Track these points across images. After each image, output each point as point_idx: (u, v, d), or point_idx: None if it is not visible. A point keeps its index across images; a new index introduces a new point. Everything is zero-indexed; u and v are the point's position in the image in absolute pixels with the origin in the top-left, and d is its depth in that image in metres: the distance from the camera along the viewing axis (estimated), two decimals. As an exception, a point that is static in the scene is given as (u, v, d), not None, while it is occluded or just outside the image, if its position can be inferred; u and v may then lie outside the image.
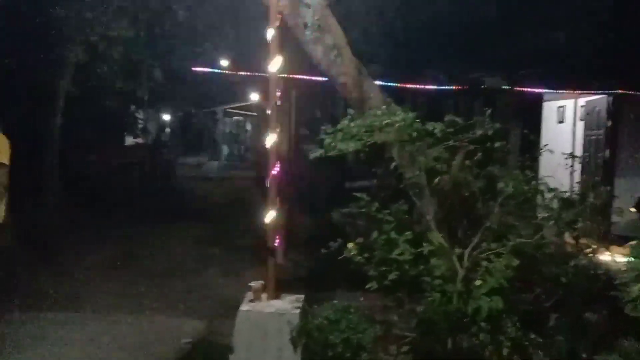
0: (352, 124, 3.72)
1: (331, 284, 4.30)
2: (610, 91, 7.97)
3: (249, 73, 6.64)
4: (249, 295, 3.71)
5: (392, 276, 3.50)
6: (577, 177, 9.00)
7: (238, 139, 23.91)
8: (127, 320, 5.27)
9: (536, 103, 8.46)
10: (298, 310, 3.51)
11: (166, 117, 22.84)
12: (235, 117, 23.23)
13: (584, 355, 3.26)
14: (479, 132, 3.72)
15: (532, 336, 3.38)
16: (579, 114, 10.20)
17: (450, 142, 3.87)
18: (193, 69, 7.44)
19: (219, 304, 5.44)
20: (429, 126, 3.78)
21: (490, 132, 3.74)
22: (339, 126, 3.72)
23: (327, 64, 4.38)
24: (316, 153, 3.69)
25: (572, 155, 4.18)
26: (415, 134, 3.87)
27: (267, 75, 3.87)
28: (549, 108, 11.45)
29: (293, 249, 5.39)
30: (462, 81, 7.04)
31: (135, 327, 5.10)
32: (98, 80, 9.74)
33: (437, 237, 3.55)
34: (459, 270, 3.60)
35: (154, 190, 12.05)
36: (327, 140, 3.75)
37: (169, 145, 17.32)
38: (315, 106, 7.75)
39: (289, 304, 3.64)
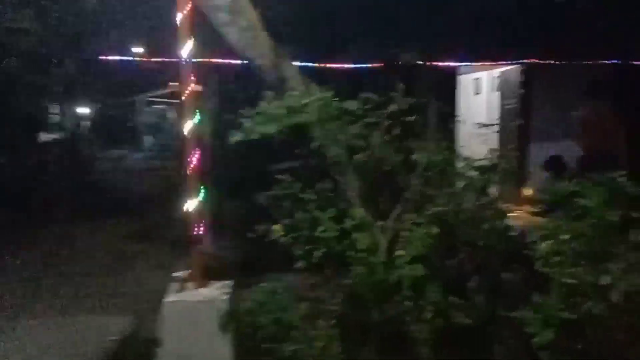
0: (270, 106, 3.71)
1: (261, 267, 4.31)
2: (520, 61, 8.31)
3: (161, 59, 6.45)
4: (175, 285, 3.66)
5: (318, 253, 3.56)
6: (494, 145, 9.44)
7: (161, 129, 23.26)
8: (51, 322, 5.10)
9: (452, 76, 8.73)
10: (226, 296, 3.50)
11: (84, 110, 21.87)
12: (157, 106, 22.59)
13: (501, 313, 3.43)
14: (393, 107, 3.79)
15: (452, 299, 3.52)
16: (494, 85, 10.63)
17: (368, 119, 3.95)
18: (101, 57, 7.13)
19: (148, 298, 5.33)
20: (347, 104, 3.83)
21: (404, 107, 3.82)
22: (257, 109, 3.70)
23: (243, 46, 4.33)
24: (236, 137, 3.66)
25: (484, 125, 4.35)
26: (334, 112, 3.93)
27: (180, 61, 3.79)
28: (466, 80, 11.85)
29: (222, 235, 5.35)
30: (379, 59, 7.15)
31: (59, 328, 4.95)
32: (5, 75, 9.20)
33: (359, 212, 3.63)
34: (382, 242, 3.71)
35: (75, 187, 11.55)
36: (247, 124, 3.74)
37: (88, 139, 16.59)
38: (240, 90, 7.67)
39: (216, 291, 3.62)
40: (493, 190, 5.39)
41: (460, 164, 4.02)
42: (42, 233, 8.50)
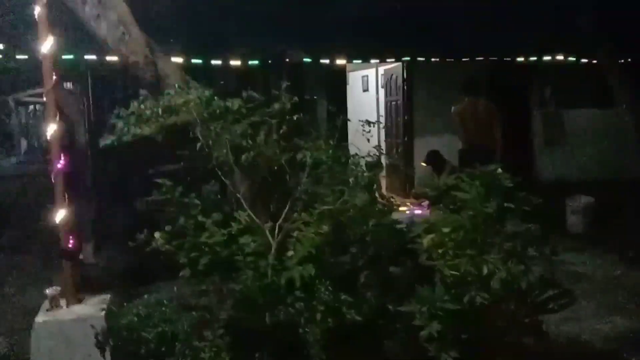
0: (143, 106, 3.48)
1: (144, 278, 4.05)
2: (402, 58, 8.56)
3: (27, 57, 5.92)
4: (46, 304, 3.34)
5: (204, 260, 3.39)
6: (380, 142, 9.72)
7: (37, 131, 21.57)
8: None
9: (340, 73, 8.83)
10: (102, 312, 3.23)
11: (-54, 112, 19.79)
12: (31, 107, 20.94)
13: (390, 307, 3.46)
14: (277, 106, 3.70)
15: (343, 297, 3.50)
16: (380, 82, 10.94)
17: (254, 118, 3.84)
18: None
19: (22, 316, 4.88)
20: (229, 103, 3.68)
21: (288, 105, 3.75)
22: (130, 109, 3.46)
23: (113, 42, 4.04)
24: (107, 140, 3.39)
25: (367, 122, 4.38)
26: (217, 111, 3.78)
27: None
28: (354, 77, 12.12)
29: (101, 245, 5.00)
30: (267, 55, 7.04)
31: None
32: None
33: (244, 215, 3.50)
34: (272, 244, 3.61)
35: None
36: (120, 125, 3.48)
37: (-48, 144, 14.99)
38: (118, 89, 7.23)
39: (92, 307, 3.35)
40: (382, 186, 5.49)
41: (348, 161, 4.02)
42: None
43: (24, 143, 21.11)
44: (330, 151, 3.89)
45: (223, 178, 3.86)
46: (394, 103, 9.65)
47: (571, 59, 8.58)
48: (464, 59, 8.31)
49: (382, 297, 3.63)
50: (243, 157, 3.81)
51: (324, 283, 3.53)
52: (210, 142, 3.86)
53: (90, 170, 5.38)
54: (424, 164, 7.62)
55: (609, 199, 7.40)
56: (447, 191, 3.46)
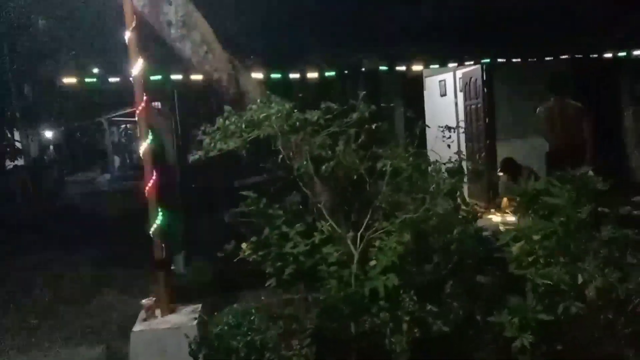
0: (228, 122, 3.60)
1: (232, 287, 4.18)
2: (480, 60, 8.35)
3: (118, 79, 6.29)
4: (142, 314, 3.51)
5: (288, 270, 3.45)
6: (460, 147, 9.49)
7: (129, 149, 22.87)
8: (20, 357, 4.89)
9: (417, 79, 8.73)
10: (195, 322, 3.36)
11: (48, 134, 21.39)
12: (123, 126, 22.24)
13: (478, 317, 3.37)
14: (355, 115, 3.72)
15: (429, 307, 3.45)
16: (458, 86, 10.69)
17: (332, 129, 3.88)
18: (61, 80, 6.92)
19: (119, 326, 5.15)
20: (308, 115, 3.74)
21: (366, 114, 3.75)
22: (216, 125, 3.59)
23: (197, 61, 4.23)
24: (195, 156, 3.54)
25: (447, 127, 4.31)
26: (296, 123, 3.85)
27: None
28: (431, 83, 11.92)
29: (191, 256, 5.21)
30: (343, 65, 7.09)
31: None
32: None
33: (326, 225, 3.53)
34: (354, 254, 3.62)
35: (41, 213, 11.24)
36: (207, 141, 3.62)
37: (54, 163, 16.20)
38: (202, 107, 7.53)
39: (185, 317, 3.48)
40: (464, 193, 5.37)
41: (428, 168, 3.96)
42: (8, 264, 8.23)
43: (117, 160, 22.49)
44: (410, 159, 3.84)
45: (304, 188, 3.92)
46: (473, 107, 9.39)
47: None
48: (547, 58, 7.96)
49: (470, 307, 3.55)
50: (323, 167, 3.87)
51: (408, 293, 3.50)
52: (291, 153, 3.94)
53: (179, 184, 5.63)
54: (500, 173, 7.38)
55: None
56: (536, 196, 3.32)
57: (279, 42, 6.44)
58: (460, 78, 10.32)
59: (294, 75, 6.65)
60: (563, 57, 7.87)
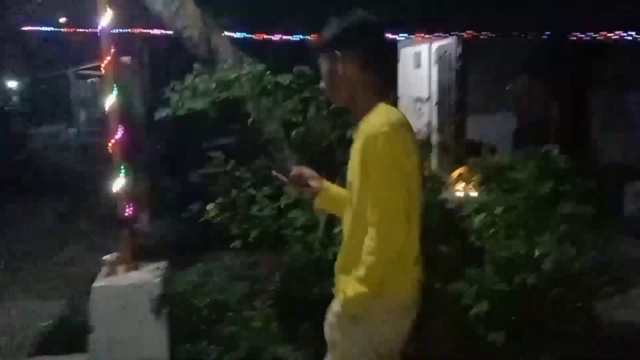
0: (197, 80, 3.54)
1: (197, 248, 4.18)
2: (456, 33, 8.35)
3: (84, 30, 6.09)
4: (104, 270, 3.50)
5: (254, 233, 3.46)
6: (432, 120, 9.56)
7: (95, 103, 22.26)
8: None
9: (392, 50, 8.70)
10: (159, 279, 3.36)
11: (12, 84, 20.66)
12: (90, 80, 21.59)
13: (437, 286, 3.45)
14: (325, 82, 3.69)
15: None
16: (433, 59, 10.68)
17: (304, 94, 3.85)
18: (22, 28, 6.65)
19: (82, 281, 5.12)
20: (280, 78, 3.71)
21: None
22: (185, 83, 3.53)
23: (169, 17, 4.12)
24: (162, 113, 3.49)
25: (418, 99, 4.32)
26: (268, 86, 3.81)
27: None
28: (406, 54, 11.87)
29: (156, 215, 5.18)
30: (317, 31, 6.99)
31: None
32: None
33: (293, 190, 3.54)
34: (320, 219, 3.64)
35: (5, 165, 10.96)
36: (175, 99, 3.57)
37: (17, 115, 15.69)
38: (173, 64, 7.37)
39: (148, 274, 3.48)
40: (433, 165, 5.42)
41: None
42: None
43: (82, 115, 21.90)
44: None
45: (273, 153, 3.91)
46: (447, 80, 9.43)
47: (634, 37, 8.14)
48: (521, 35, 8.02)
49: (430, 276, 3.62)
50: (293, 133, 3.85)
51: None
52: (262, 117, 3.92)
53: (147, 142, 5.55)
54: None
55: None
56: (500, 172, 3.39)
57: (257, 4, 6.31)
58: (435, 51, 10.32)
59: (269, 38, 6.55)
60: (537, 35, 7.93)
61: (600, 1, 7.57)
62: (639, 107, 8.66)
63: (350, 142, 3.89)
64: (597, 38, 8.08)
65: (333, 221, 3.71)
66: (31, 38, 11.16)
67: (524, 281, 3.01)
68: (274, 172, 2.34)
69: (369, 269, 1.83)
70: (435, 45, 10.27)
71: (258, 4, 6.22)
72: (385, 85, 2.08)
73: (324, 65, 2.05)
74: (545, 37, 7.96)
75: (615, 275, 3.46)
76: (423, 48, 11.40)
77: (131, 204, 3.44)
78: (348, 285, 1.89)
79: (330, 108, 4.02)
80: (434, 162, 8.17)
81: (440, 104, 9.72)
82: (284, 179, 2.18)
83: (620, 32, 8.00)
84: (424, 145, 4.05)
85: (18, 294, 5.17)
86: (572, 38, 8.02)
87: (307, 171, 2.24)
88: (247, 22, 6.24)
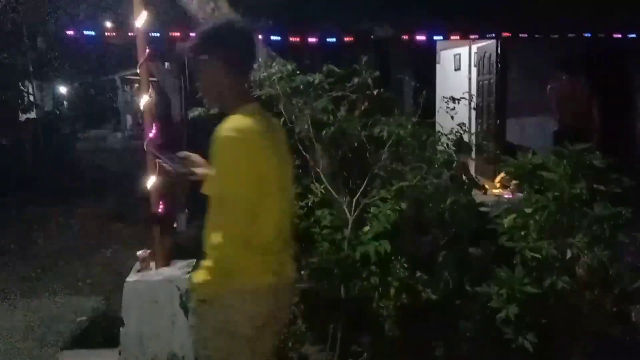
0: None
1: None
2: (494, 35, 8.21)
3: (129, 34, 6.26)
4: (137, 265, 3.58)
5: (282, 231, 3.47)
6: (470, 123, 9.44)
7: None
8: (20, 304, 5.03)
9: (430, 51, 8.62)
10: (188, 275, 3.42)
11: (63, 89, 21.47)
12: (136, 85, 22.21)
13: (467, 288, 3.39)
14: (357, 80, 3.69)
15: (419, 274, 3.48)
16: (473, 61, 10.55)
17: (334, 93, 3.86)
18: (68, 32, 6.90)
19: (120, 278, 5.27)
20: (310, 77, 3.72)
21: (369, 80, 3.72)
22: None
23: (204, 19, 4.20)
24: (195, 112, 3.55)
25: (453, 99, 4.26)
26: (299, 86, 3.83)
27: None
28: (446, 56, 11.77)
29: (195, 216, 5.26)
30: (352, 33, 7.00)
31: (28, 309, 4.88)
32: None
33: (320, 188, 3.55)
34: (349, 218, 3.64)
35: (51, 166, 11.37)
36: (207, 98, 3.62)
37: (66, 118, 16.27)
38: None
39: (179, 270, 3.54)
40: (470, 167, 5.32)
41: (430, 139, 3.94)
42: (16, 214, 8.40)
43: (129, 119, 22.56)
44: (411, 128, 3.82)
45: (303, 152, 3.93)
46: (486, 82, 9.29)
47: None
48: (563, 36, 7.80)
49: (460, 278, 3.57)
50: (324, 132, 3.86)
51: (399, 260, 3.53)
52: (293, 116, 3.94)
53: (185, 143, 5.63)
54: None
55: None
56: (532, 171, 3.31)
57: (291, 5, 6.36)
58: (475, 53, 10.19)
59: (303, 40, 6.59)
60: (576, 35, 7.71)
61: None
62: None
63: (382, 141, 3.93)
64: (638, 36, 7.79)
65: (362, 220, 3.71)
66: (81, 43, 11.54)
67: (554, 284, 2.93)
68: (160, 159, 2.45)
69: (213, 258, 1.98)
70: (475, 47, 10.16)
71: (292, 7, 6.26)
72: (249, 90, 2.20)
73: (197, 67, 2.14)
74: (586, 36, 7.72)
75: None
76: (463, 50, 11.30)
77: (164, 202, 3.51)
78: (197, 273, 2.02)
79: (362, 108, 4.04)
80: (472, 165, 8.05)
81: (479, 106, 9.61)
82: (167, 162, 2.25)
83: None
84: (463, 145, 3.98)
85: (59, 291, 5.34)
86: (614, 37, 7.76)
87: (194, 156, 2.34)
88: (281, 24, 6.29)
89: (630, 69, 8.46)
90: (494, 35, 8.26)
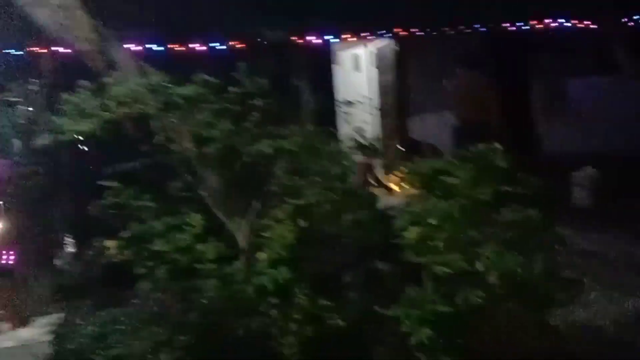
0: (85, 98, 3.07)
1: (102, 290, 3.65)
2: (386, 33, 8.10)
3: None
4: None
5: (161, 271, 2.99)
6: (375, 123, 9.31)
7: (34, 131, 21.20)
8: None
9: (327, 53, 8.37)
10: (49, 336, 2.85)
11: None
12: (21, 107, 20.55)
13: (377, 310, 3.06)
14: (238, 90, 3.28)
15: (323, 301, 3.11)
16: (372, 61, 10.45)
17: (215, 105, 3.43)
18: None
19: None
20: (182, 90, 3.26)
21: (251, 89, 3.32)
22: (67, 102, 3.05)
23: (57, 29, 3.65)
24: (44, 139, 2.99)
25: (347, 102, 3.96)
26: (174, 100, 3.37)
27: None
28: (345, 57, 11.62)
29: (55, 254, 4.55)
30: (241, 38, 6.57)
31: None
32: None
33: (200, 218, 3.10)
34: (242, 246, 3.22)
35: None
36: (59, 122, 3.08)
37: None
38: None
39: (37, 330, 2.96)
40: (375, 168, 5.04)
41: (329, 148, 3.59)
42: None
43: (16, 143, 20.81)
44: (301, 139, 3.46)
45: (186, 175, 3.47)
46: (386, 82, 9.19)
47: (571, 23, 8.01)
48: (456, 30, 7.78)
49: (369, 299, 3.24)
50: (208, 149, 3.42)
51: (300, 286, 3.14)
52: (169, 135, 3.47)
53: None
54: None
55: (614, 171, 6.94)
56: (435, 176, 3.03)
57: (168, 11, 5.82)
58: (373, 52, 10.09)
59: (185, 49, 6.09)
60: (470, 30, 7.72)
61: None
62: (580, 94, 8.54)
63: (274, 155, 3.54)
64: (534, 27, 7.92)
65: (258, 247, 3.29)
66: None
67: (467, 299, 2.65)
68: None
69: None
70: (373, 46, 10.05)
71: (170, 13, 5.72)
72: None
73: None
74: (480, 29, 7.75)
75: (570, 277, 3.15)
76: (361, 50, 11.18)
77: (11, 251, 2.92)
78: None
79: (252, 120, 3.63)
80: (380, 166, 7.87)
81: (382, 107, 9.49)
82: None
83: (556, 20, 7.88)
84: (367, 150, 3.69)
85: None
86: (508, 29, 7.84)
87: None
88: (157, 32, 5.74)
89: (525, 62, 8.59)
90: (389, 34, 8.14)
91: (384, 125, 9.35)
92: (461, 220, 2.74)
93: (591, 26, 7.62)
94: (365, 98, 9.94)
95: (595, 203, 6.86)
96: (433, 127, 8.16)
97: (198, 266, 3.04)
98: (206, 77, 3.26)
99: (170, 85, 3.34)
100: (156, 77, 3.44)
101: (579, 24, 7.86)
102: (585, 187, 6.85)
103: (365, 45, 10.23)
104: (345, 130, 4.05)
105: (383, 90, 9.42)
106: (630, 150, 7.38)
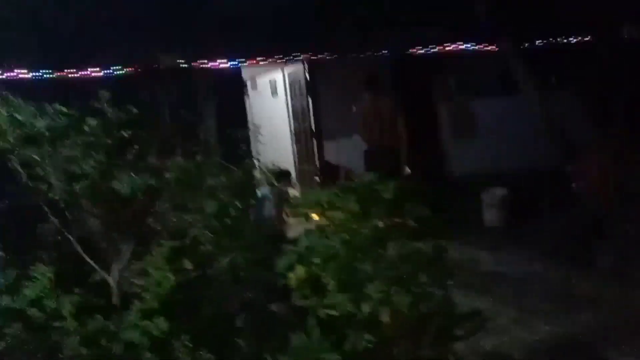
0: None
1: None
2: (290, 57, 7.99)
3: None
4: None
5: (11, 330, 2.60)
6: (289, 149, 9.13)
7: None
8: None
9: (237, 78, 8.14)
10: None
11: None
12: None
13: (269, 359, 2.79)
14: (96, 121, 2.97)
15: (206, 355, 2.81)
16: (287, 86, 10.33)
17: (84, 138, 3.10)
18: None
19: None
20: (38, 122, 2.92)
21: (117, 120, 3.02)
22: None
23: None
24: None
25: (255, 127, 3.75)
26: (35, 133, 3.02)
27: None
28: (263, 82, 11.47)
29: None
30: (133, 63, 6.22)
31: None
32: None
33: (43, 270, 2.74)
34: (113, 295, 2.88)
35: None
36: None
37: None
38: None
39: None
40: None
41: (211, 182, 3.32)
42: None
43: None
44: (185, 171, 3.18)
45: (52, 217, 3.11)
46: (300, 106, 9.06)
47: (472, 46, 8.19)
48: (363, 54, 7.77)
49: (257, 348, 2.97)
50: (77, 186, 3.07)
51: (181, 339, 2.82)
52: (34, 172, 3.10)
53: None
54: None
55: (524, 190, 7.05)
56: (322, 209, 2.82)
57: (55, 36, 5.40)
58: (286, 77, 9.98)
59: (66, 75, 5.67)
60: (377, 52, 7.74)
61: (437, 15, 7.52)
62: (488, 115, 8.71)
63: (159, 189, 3.24)
64: (439, 50, 8.04)
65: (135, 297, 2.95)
66: None
67: (355, 344, 2.43)
68: None
69: None
70: (287, 72, 9.94)
71: (56, 38, 5.29)
72: None
73: None
74: (386, 53, 7.77)
75: (468, 311, 2.99)
76: (278, 76, 11.06)
77: None
78: None
79: (134, 151, 3.31)
80: (294, 193, 7.65)
81: (296, 131, 9.35)
82: None
83: (460, 43, 8.04)
84: (280, 176, 3.46)
85: None
86: (414, 52, 7.91)
87: None
88: (39, 58, 5.31)
89: (433, 85, 8.70)
90: (298, 57, 8.02)
91: (299, 151, 9.20)
92: (345, 258, 2.53)
93: (494, 49, 7.79)
94: (282, 123, 9.80)
95: (506, 223, 6.91)
96: (349, 151, 8.07)
97: (56, 323, 2.66)
98: (62, 107, 2.92)
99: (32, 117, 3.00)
100: (22, 109, 3.08)
101: (483, 48, 8.07)
102: (495, 207, 6.89)
103: (281, 70, 10.13)
104: (260, 157, 3.84)
105: (297, 115, 9.29)
106: (540, 168, 7.52)
